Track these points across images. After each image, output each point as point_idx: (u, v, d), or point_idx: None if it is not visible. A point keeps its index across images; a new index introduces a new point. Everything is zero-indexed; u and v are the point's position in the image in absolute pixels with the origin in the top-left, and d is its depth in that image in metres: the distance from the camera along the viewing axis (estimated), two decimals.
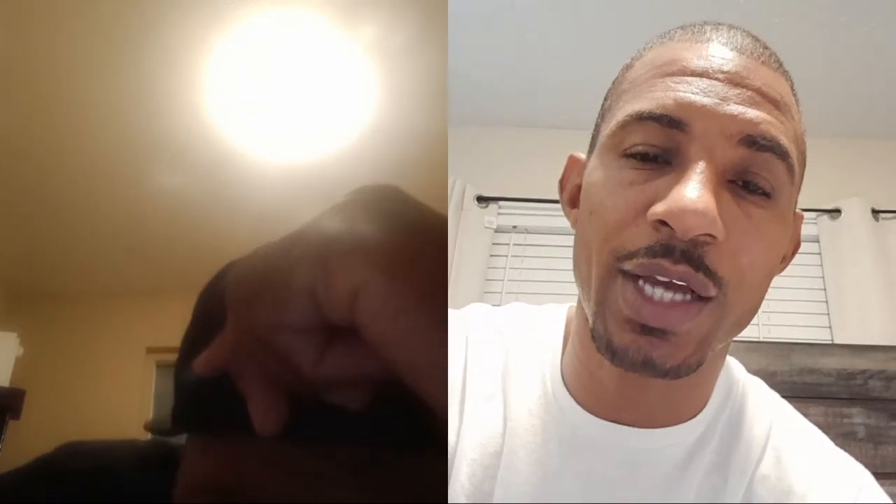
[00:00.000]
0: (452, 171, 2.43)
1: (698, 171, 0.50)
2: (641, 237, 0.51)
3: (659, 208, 0.49)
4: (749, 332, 2.17)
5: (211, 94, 1.87)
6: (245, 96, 1.88)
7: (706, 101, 0.52)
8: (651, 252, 0.50)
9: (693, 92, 0.52)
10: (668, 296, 0.50)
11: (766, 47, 0.57)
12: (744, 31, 0.58)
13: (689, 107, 0.52)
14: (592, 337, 0.54)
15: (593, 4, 2.00)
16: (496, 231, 2.37)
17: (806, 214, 2.15)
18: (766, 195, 0.52)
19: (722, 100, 0.52)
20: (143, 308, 2.70)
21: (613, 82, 0.60)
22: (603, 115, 0.59)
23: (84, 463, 0.57)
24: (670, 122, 0.51)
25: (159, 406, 2.69)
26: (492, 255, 2.35)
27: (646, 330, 0.50)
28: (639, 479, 0.58)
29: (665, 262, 0.50)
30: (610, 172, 0.54)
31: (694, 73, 0.53)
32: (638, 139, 0.53)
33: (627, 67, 0.60)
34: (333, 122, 1.98)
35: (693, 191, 0.49)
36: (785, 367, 1.77)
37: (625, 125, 0.54)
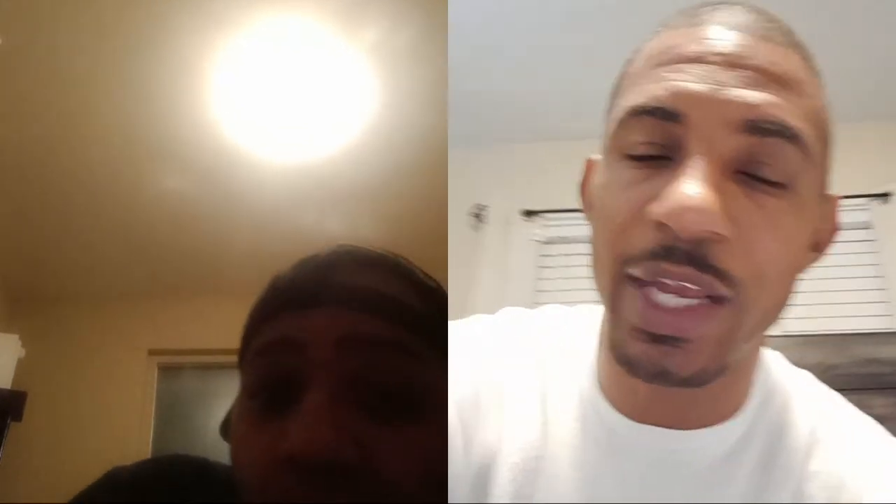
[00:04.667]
0: (497, 189, 2.47)
1: (696, 164, 0.47)
2: (644, 239, 0.48)
3: (656, 208, 0.47)
4: (806, 325, 2.09)
5: (214, 96, 1.87)
6: (248, 99, 1.88)
7: (701, 87, 0.48)
8: (652, 254, 0.48)
9: (687, 79, 0.49)
10: (678, 301, 0.48)
11: (771, 20, 0.53)
12: (746, 6, 0.54)
13: (684, 95, 0.48)
14: (611, 347, 0.52)
15: (639, 12, 2.01)
16: (544, 243, 2.40)
17: (856, 200, 2.09)
18: (780, 184, 0.48)
19: (719, 84, 0.48)
20: (145, 310, 2.70)
21: (616, 79, 0.58)
22: (608, 113, 0.57)
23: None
24: (665, 114, 0.49)
25: (161, 408, 2.68)
26: (540, 267, 2.38)
27: (656, 338, 0.48)
28: (678, 480, 0.57)
29: (667, 265, 0.47)
30: (612, 175, 0.52)
31: (688, 60, 0.50)
32: (637, 137, 0.50)
33: (629, 62, 0.57)
34: (335, 125, 1.98)
35: (690, 186, 0.46)
36: (845, 360, 1.69)
37: (623, 123, 0.51)
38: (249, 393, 0.50)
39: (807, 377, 0.64)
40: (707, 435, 0.56)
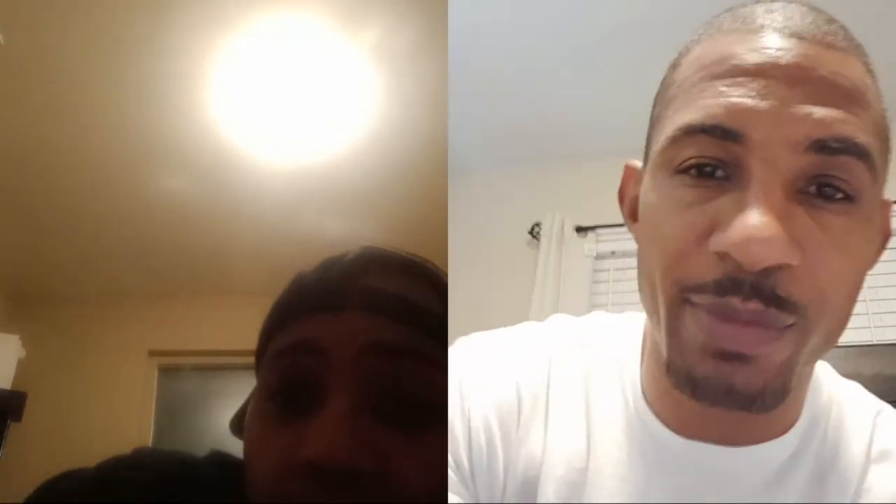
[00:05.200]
0: (551, 206, 2.52)
1: (760, 188, 0.45)
2: (707, 269, 0.46)
3: (722, 240, 0.45)
4: (861, 336, 1.93)
5: (214, 97, 1.87)
6: (248, 100, 1.88)
7: (764, 104, 0.45)
8: (719, 288, 0.46)
9: (748, 95, 0.46)
10: (747, 307, 0.45)
11: (829, 21, 0.50)
12: (801, 6, 0.51)
13: (745, 114, 0.45)
14: (668, 371, 0.49)
15: (687, 27, 2.00)
16: (596, 258, 2.45)
17: None
18: (846, 200, 0.46)
19: (782, 101, 0.45)
20: (146, 311, 2.70)
21: (661, 84, 0.55)
22: (652, 123, 0.54)
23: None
24: (724, 133, 0.46)
25: (161, 409, 2.68)
26: (594, 282, 2.42)
27: (726, 356, 0.46)
28: (728, 497, 0.55)
29: (735, 300, 0.45)
30: (665, 193, 0.49)
31: (747, 73, 0.47)
32: (691, 153, 0.48)
33: (674, 67, 0.54)
34: (335, 126, 1.98)
35: (757, 216, 0.44)
36: None
37: (675, 140, 0.48)
38: (267, 394, 0.49)
39: (857, 389, 0.62)
40: (758, 451, 0.55)
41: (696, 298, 0.47)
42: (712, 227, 0.46)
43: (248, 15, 1.65)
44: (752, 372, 0.46)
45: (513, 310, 2.36)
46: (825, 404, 0.58)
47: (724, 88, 0.47)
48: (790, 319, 0.46)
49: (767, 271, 0.44)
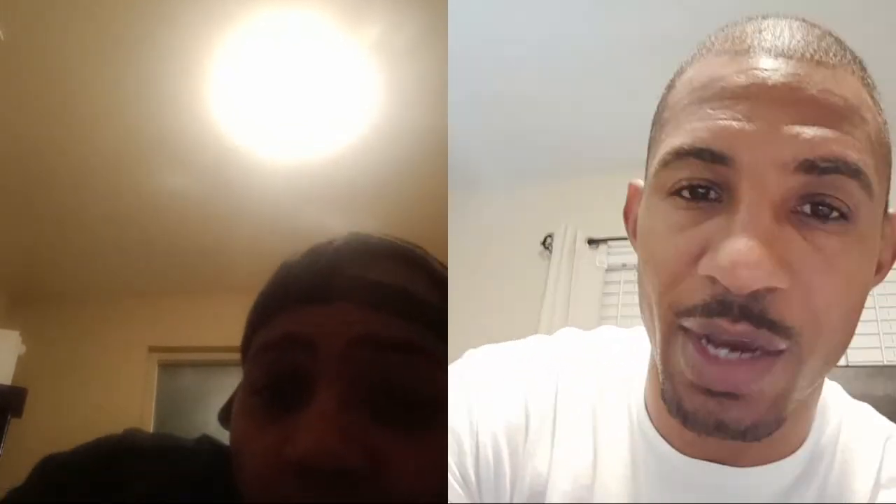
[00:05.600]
0: (563, 218, 2.55)
1: (748, 212, 0.44)
2: (697, 291, 0.46)
3: (709, 264, 0.45)
4: (872, 356, 1.87)
5: (214, 94, 1.87)
6: (248, 97, 1.88)
7: (751, 126, 0.45)
8: (707, 310, 0.45)
9: (735, 118, 0.46)
10: (734, 355, 0.45)
11: (821, 37, 0.50)
12: (793, 21, 0.51)
13: (732, 136, 0.45)
14: (663, 397, 0.50)
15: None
16: (607, 270, 2.48)
17: None
18: (841, 219, 0.45)
19: (770, 122, 0.45)
20: (146, 307, 2.70)
21: (658, 106, 0.55)
22: (649, 146, 0.55)
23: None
24: (712, 156, 0.46)
25: (161, 405, 2.69)
26: (605, 294, 2.45)
27: (714, 393, 0.46)
28: None
29: (723, 322, 0.45)
30: (659, 216, 0.50)
31: (735, 95, 0.46)
32: (682, 176, 0.48)
33: (669, 88, 0.54)
34: (335, 123, 1.98)
35: (743, 241, 0.43)
36: None
37: (666, 163, 0.48)
38: (252, 388, 0.47)
39: (867, 412, 0.61)
40: (764, 472, 0.54)
41: (686, 323, 0.47)
42: (703, 250, 0.46)
43: (247, 11, 1.65)
44: (743, 407, 0.46)
45: (524, 320, 2.38)
46: (833, 429, 0.57)
47: (712, 111, 0.47)
48: (782, 344, 0.45)
49: (756, 295, 0.44)
